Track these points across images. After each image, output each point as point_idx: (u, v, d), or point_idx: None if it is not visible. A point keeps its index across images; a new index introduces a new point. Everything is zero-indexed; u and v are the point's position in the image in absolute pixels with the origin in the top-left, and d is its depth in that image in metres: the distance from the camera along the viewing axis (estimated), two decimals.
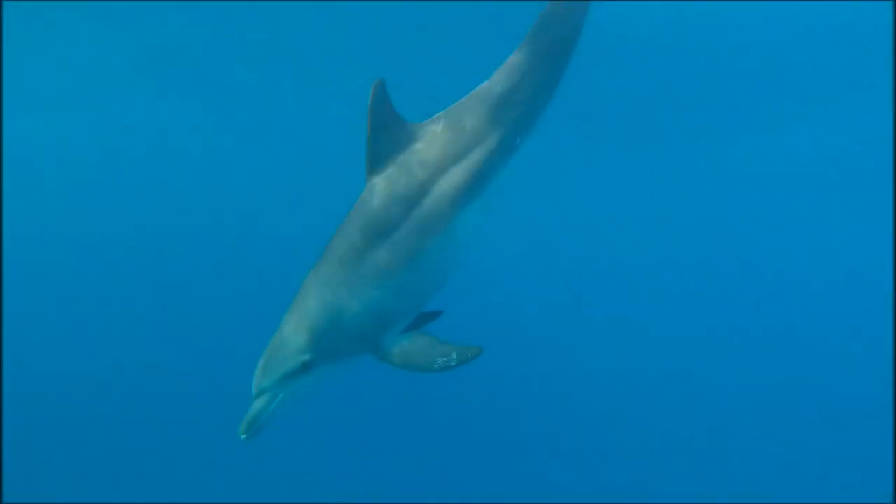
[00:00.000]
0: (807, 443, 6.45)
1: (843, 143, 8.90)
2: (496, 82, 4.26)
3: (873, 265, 9.11)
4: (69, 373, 7.28)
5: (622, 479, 6.03)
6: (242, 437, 3.85)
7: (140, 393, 6.96)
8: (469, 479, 6.58)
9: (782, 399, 7.19)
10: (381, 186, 4.12)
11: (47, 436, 6.39)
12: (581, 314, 9.47)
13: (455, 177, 4.14)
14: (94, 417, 6.75)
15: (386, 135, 4.10)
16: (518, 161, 4.30)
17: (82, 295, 8.53)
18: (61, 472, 5.96)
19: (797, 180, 9.76)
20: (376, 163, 4.12)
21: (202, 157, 12.35)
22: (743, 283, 10.87)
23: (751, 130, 8.87)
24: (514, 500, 6.10)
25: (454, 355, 3.92)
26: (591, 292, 10.72)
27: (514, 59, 4.29)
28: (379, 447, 6.75)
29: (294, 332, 3.96)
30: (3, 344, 6.78)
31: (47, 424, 6.49)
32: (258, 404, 3.88)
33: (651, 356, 7.94)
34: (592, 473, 6.21)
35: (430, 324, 4.13)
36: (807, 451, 6.34)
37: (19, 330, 7.24)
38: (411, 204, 4.07)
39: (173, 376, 7.14)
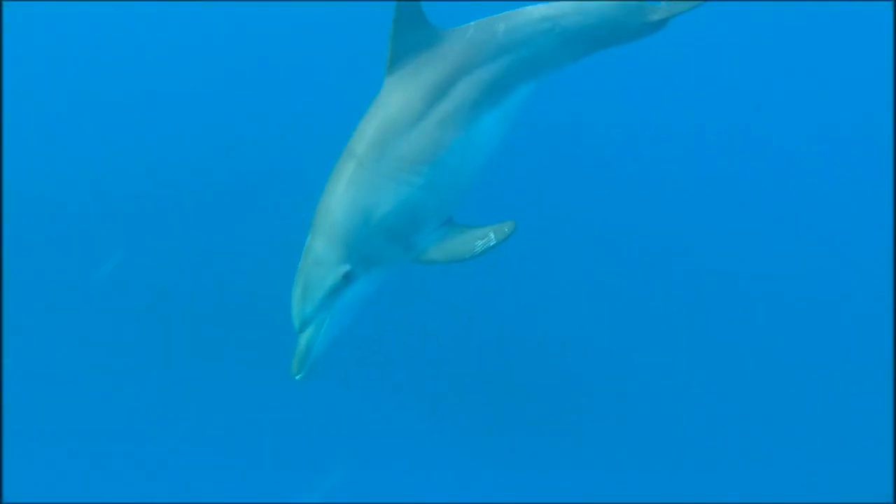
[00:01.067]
0: (807, 442, 6.44)
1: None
2: (541, 13, 4.30)
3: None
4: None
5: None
6: (297, 377, 3.67)
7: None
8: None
9: (782, 398, 7.18)
10: (402, 83, 4.03)
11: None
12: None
13: (477, 79, 4.11)
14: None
15: (411, 32, 3.99)
16: (539, 89, 4.35)
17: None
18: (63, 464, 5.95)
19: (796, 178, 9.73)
20: (397, 61, 4.03)
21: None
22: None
23: None
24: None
25: (492, 235, 3.88)
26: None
27: (569, 4, 4.35)
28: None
29: (327, 246, 3.77)
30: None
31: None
32: (304, 340, 3.70)
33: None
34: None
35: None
36: (807, 451, 6.34)
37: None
38: (432, 100, 4.02)
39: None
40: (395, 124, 3.94)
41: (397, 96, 4.01)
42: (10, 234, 7.89)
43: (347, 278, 3.71)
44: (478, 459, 6.26)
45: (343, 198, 3.84)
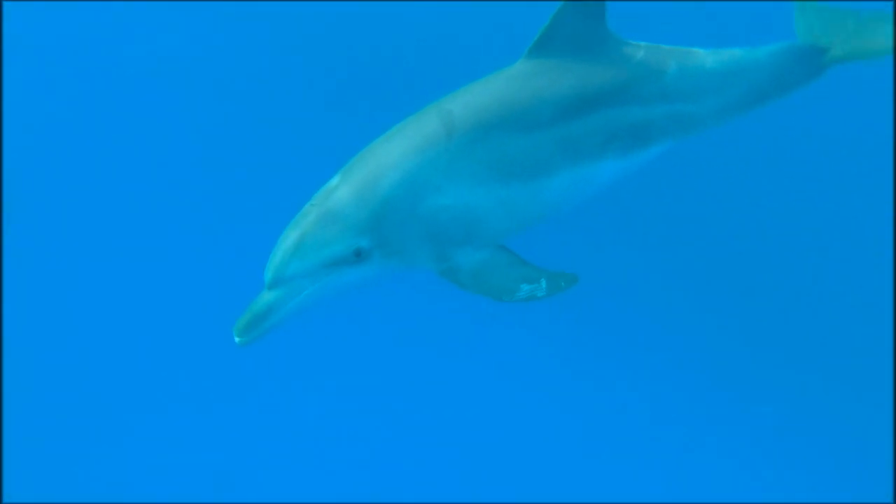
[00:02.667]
0: (806, 442, 6.43)
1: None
2: (714, 64, 3.73)
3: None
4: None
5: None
6: (238, 340, 2.90)
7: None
8: None
9: (780, 396, 7.17)
10: (543, 72, 3.38)
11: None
12: None
13: (623, 118, 3.51)
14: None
15: (580, 21, 3.31)
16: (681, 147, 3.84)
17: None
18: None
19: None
20: (550, 43, 3.36)
21: None
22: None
23: None
24: None
25: (543, 283, 3.12)
26: None
27: (743, 56, 3.82)
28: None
29: (353, 204, 3.00)
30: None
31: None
32: (270, 298, 2.91)
33: None
34: None
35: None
36: (806, 451, 6.33)
37: None
38: (566, 112, 3.37)
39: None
40: (513, 114, 3.27)
41: (531, 84, 3.34)
42: (10, 235, 7.88)
43: (359, 255, 3.00)
44: None
45: (403, 160, 3.10)
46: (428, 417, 6.17)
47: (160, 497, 5.85)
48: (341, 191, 3.08)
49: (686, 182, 6.41)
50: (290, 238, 2.98)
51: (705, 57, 3.80)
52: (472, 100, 3.32)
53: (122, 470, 6.20)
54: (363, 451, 6.03)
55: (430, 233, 3.18)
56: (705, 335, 7.59)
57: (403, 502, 5.63)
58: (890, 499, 5.37)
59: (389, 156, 3.13)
